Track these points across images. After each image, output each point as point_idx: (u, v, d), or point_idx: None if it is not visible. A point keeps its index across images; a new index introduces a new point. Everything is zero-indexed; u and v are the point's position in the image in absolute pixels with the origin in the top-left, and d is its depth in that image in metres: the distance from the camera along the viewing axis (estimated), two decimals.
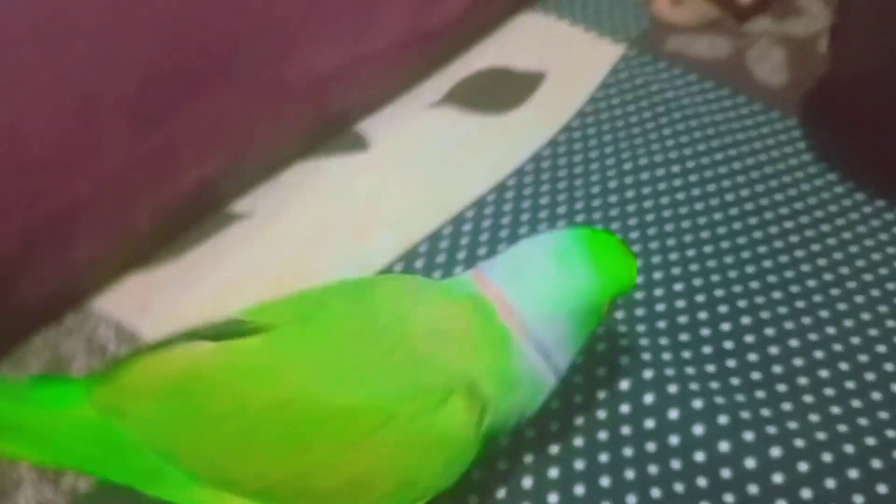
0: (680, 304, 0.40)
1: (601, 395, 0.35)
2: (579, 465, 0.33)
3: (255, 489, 0.26)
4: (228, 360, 0.26)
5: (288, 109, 0.45)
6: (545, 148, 0.49)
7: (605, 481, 0.33)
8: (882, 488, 0.33)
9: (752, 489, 0.32)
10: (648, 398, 0.35)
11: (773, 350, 0.38)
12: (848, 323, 0.39)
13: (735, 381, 0.36)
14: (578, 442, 0.34)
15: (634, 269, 0.29)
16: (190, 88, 0.39)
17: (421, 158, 0.47)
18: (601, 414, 0.35)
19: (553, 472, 0.33)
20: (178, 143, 0.40)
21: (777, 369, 0.37)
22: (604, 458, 0.33)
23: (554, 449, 0.34)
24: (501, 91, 0.53)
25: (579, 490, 0.32)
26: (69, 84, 0.35)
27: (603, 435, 0.34)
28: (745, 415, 0.35)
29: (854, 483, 0.33)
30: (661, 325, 0.39)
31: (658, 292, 0.40)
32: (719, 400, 0.35)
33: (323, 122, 0.47)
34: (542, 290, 0.27)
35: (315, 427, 0.25)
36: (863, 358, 0.38)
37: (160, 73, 0.38)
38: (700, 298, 0.40)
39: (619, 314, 0.39)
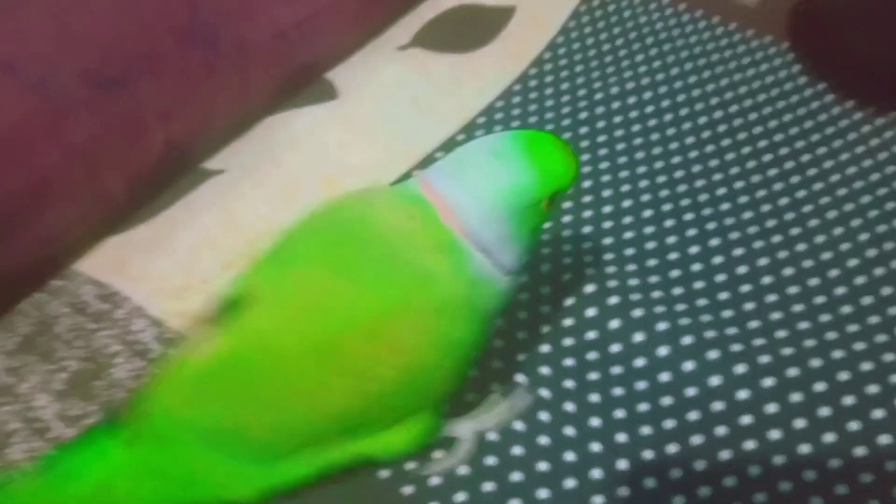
0: (648, 230, 0.40)
1: (567, 322, 0.36)
2: (545, 392, 0.34)
3: (324, 430, 0.27)
4: (243, 333, 0.26)
5: (253, 66, 0.45)
6: (515, 83, 0.49)
7: (569, 406, 0.33)
8: (848, 399, 0.33)
9: (717, 406, 0.33)
10: (614, 323, 0.35)
11: (742, 270, 0.38)
12: (819, 239, 0.39)
13: (702, 301, 0.37)
14: (545, 370, 0.34)
15: (572, 166, 0.28)
16: (151, 53, 0.40)
17: (390, 104, 0.47)
18: (567, 341, 0.35)
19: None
20: (143, 107, 0.40)
21: (745, 288, 0.37)
22: (569, 384, 0.34)
23: (521, 378, 0.34)
24: (471, 28, 0.52)
25: (544, 416, 0.33)
26: (27, 60, 0.36)
27: (570, 361, 0.35)
28: (710, 334, 0.35)
29: (820, 396, 0.33)
30: (629, 251, 0.39)
31: (627, 220, 0.40)
32: (684, 321, 0.35)
33: (290, 75, 0.47)
34: (478, 189, 0.27)
35: (354, 339, 0.26)
36: (833, 273, 0.38)
37: (119, 40, 0.39)
38: (669, 223, 0.40)
39: (587, 243, 0.39)
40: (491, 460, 0.32)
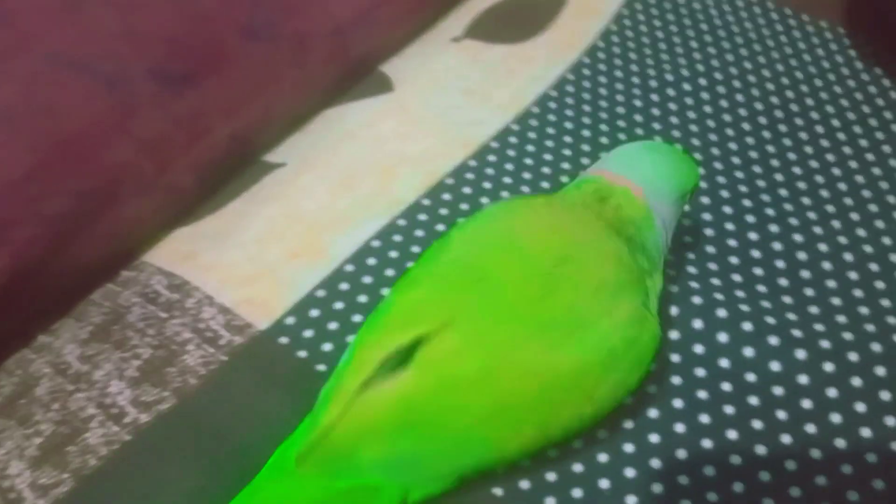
0: (706, 216, 0.40)
1: None
2: None
3: (495, 465, 0.29)
4: (439, 376, 0.27)
5: (311, 61, 0.46)
6: (568, 72, 0.49)
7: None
8: None
9: (777, 391, 0.33)
10: (674, 310, 0.36)
11: (802, 256, 0.38)
12: (879, 224, 0.39)
13: (761, 288, 0.37)
14: None
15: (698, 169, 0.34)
16: (214, 50, 0.41)
17: (445, 95, 0.48)
18: None
19: None
20: (208, 103, 0.42)
21: (805, 274, 0.37)
22: None
23: None
24: (524, 18, 0.53)
25: None
26: (98, 58, 0.37)
27: None
28: (771, 320, 0.35)
29: (881, 380, 0.33)
30: (687, 238, 0.39)
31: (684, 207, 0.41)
32: (744, 308, 0.36)
33: (347, 68, 0.48)
34: (656, 177, 0.31)
35: (553, 399, 0.27)
36: (894, 257, 0.38)
37: (184, 37, 0.40)
38: (728, 210, 0.40)
39: None
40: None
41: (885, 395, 0.33)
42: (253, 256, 0.40)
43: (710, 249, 0.39)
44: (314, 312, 0.38)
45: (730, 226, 0.39)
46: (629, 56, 0.49)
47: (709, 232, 0.39)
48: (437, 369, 0.27)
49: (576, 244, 0.29)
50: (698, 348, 0.35)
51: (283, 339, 0.37)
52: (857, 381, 0.33)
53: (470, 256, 0.29)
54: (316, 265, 0.40)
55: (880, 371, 0.33)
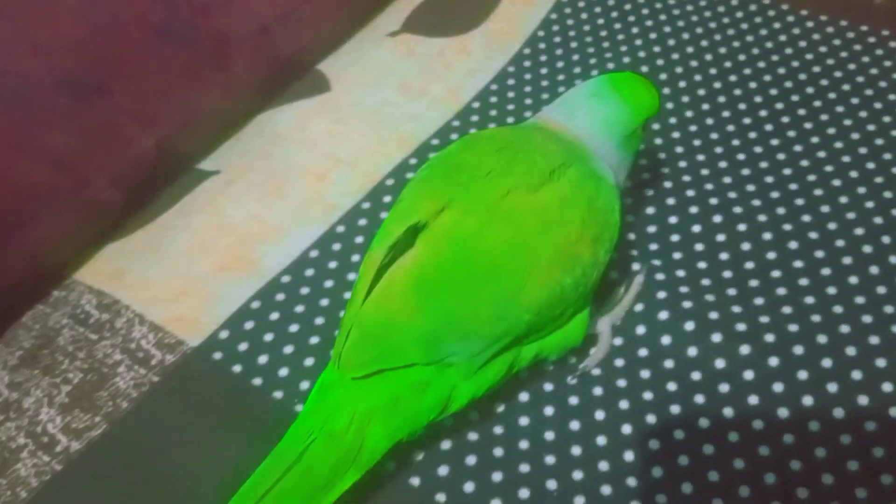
0: (650, 210, 0.39)
1: None
2: (548, 387, 0.34)
3: (524, 323, 0.29)
4: (444, 238, 0.29)
5: (236, 63, 0.44)
6: (509, 64, 0.48)
7: (573, 399, 0.33)
8: (856, 374, 0.32)
9: (723, 388, 0.32)
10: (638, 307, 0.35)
11: (745, 246, 0.37)
12: (825, 209, 0.38)
13: (705, 281, 0.36)
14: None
15: (656, 97, 0.34)
16: (128, 56, 0.39)
17: (383, 93, 0.47)
18: None
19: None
20: (126, 110, 0.40)
21: (749, 265, 0.36)
22: (572, 380, 0.34)
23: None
24: (463, 9, 0.51)
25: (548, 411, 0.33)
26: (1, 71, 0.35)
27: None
28: (714, 315, 0.34)
29: (827, 372, 0.32)
30: (630, 236, 0.38)
31: (627, 201, 0.40)
32: (687, 305, 0.35)
33: (277, 69, 0.47)
34: (592, 123, 0.33)
35: (550, 228, 0.30)
36: (839, 243, 0.37)
37: (94, 45, 0.38)
38: (671, 201, 0.39)
39: None
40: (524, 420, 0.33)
41: (832, 388, 0.32)
42: (183, 271, 0.39)
43: (654, 247, 0.38)
44: (248, 325, 0.36)
45: (672, 219, 0.39)
46: (570, 45, 0.48)
47: (651, 229, 0.38)
48: (440, 235, 0.29)
49: (521, 135, 0.33)
50: (642, 351, 0.34)
51: (217, 355, 0.35)
52: (803, 375, 0.32)
53: (446, 159, 0.33)
54: (248, 277, 0.38)
55: (826, 363, 0.33)
